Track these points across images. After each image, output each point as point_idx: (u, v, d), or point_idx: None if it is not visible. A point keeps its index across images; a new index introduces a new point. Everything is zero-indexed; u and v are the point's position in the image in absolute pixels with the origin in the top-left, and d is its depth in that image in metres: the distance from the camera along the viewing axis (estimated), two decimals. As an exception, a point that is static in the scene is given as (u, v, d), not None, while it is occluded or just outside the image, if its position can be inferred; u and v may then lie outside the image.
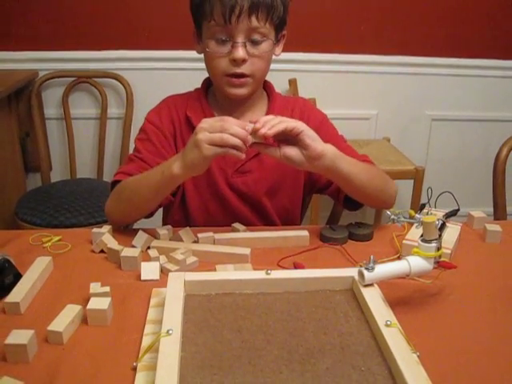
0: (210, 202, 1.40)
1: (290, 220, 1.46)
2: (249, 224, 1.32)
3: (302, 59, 2.74)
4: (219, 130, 1.06)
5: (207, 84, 1.43)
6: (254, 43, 1.25)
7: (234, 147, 1.07)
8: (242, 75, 1.27)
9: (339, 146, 1.37)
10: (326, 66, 2.83)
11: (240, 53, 1.23)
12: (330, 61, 2.82)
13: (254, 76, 1.29)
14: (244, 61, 1.25)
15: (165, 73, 2.70)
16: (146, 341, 0.85)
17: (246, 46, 1.24)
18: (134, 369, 0.79)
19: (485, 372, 0.83)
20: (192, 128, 1.34)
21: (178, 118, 1.39)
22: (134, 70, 2.70)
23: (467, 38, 2.90)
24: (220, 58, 1.26)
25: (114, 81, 2.67)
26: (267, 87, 1.44)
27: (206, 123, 1.08)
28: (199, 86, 1.44)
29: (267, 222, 1.42)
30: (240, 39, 1.23)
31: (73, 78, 2.64)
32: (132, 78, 2.66)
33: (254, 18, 1.22)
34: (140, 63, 2.71)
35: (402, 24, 2.84)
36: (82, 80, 2.64)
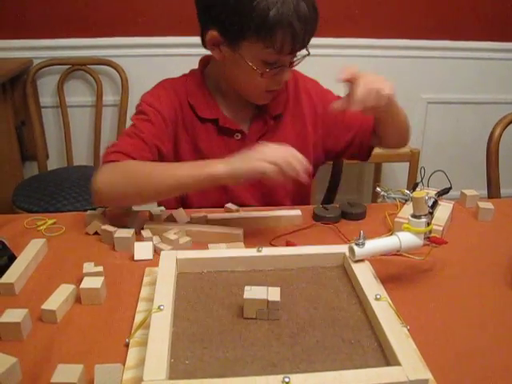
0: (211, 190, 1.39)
1: (301, 198, 1.47)
2: (243, 201, 1.34)
3: (297, 43, 2.73)
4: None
5: (203, 65, 1.39)
6: (291, 64, 1.28)
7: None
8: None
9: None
10: (320, 49, 2.81)
11: (289, 76, 1.28)
12: (324, 45, 2.81)
13: None
14: None
15: (159, 59, 2.70)
16: (139, 318, 0.86)
17: None
18: (127, 345, 0.80)
19: (474, 345, 0.83)
20: (196, 115, 1.34)
21: (179, 103, 1.34)
22: (129, 56, 2.70)
23: (463, 21, 2.90)
24: (264, 78, 1.25)
25: (108, 68, 2.67)
26: None
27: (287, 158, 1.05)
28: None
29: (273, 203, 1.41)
30: (289, 62, 1.26)
31: (67, 66, 2.64)
32: (127, 65, 2.66)
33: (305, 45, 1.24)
34: (135, 50, 2.70)
35: (396, 7, 2.83)
36: (76, 68, 2.64)
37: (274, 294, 0.84)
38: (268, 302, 0.83)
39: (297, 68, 1.31)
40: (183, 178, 1.12)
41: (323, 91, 1.48)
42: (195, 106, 1.34)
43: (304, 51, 1.26)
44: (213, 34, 1.23)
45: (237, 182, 1.14)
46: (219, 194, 1.37)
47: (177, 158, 1.35)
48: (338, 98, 1.41)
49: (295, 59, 1.27)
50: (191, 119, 1.35)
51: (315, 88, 1.47)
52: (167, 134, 1.32)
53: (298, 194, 1.47)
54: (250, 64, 1.22)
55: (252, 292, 0.84)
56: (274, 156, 1.04)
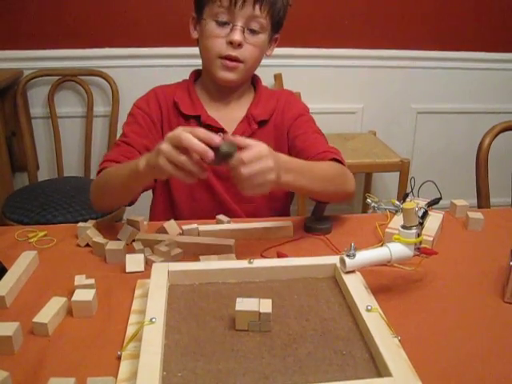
0: (197, 189, 1.41)
1: (279, 209, 1.48)
2: (233, 214, 1.35)
3: (288, 54, 2.74)
4: (180, 143, 0.94)
5: (195, 76, 1.46)
6: (252, 32, 1.30)
7: (189, 173, 0.96)
8: (236, 59, 1.31)
9: (307, 140, 1.41)
10: (312, 60, 2.84)
11: (238, 35, 1.28)
12: (316, 55, 2.83)
13: (246, 63, 1.33)
14: (240, 45, 1.29)
15: (150, 70, 2.70)
16: (131, 330, 0.86)
17: (244, 32, 1.29)
18: (119, 358, 0.80)
19: (464, 356, 0.84)
20: (180, 113, 1.39)
21: (165, 104, 1.41)
22: (120, 67, 2.70)
23: (452, 31, 2.93)
24: (217, 38, 1.30)
25: (99, 79, 2.67)
26: (254, 80, 1.48)
27: (172, 133, 0.96)
28: (186, 81, 1.46)
29: (254, 212, 1.43)
30: (240, 23, 1.28)
31: (58, 77, 2.64)
32: (117, 76, 2.66)
33: (257, 7, 1.27)
34: (125, 61, 2.71)
35: (386, 18, 2.86)
36: (67, 78, 2.64)
37: (265, 305, 0.84)
38: (260, 313, 0.83)
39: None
40: (123, 179, 1.15)
41: (300, 119, 1.46)
42: (179, 103, 1.40)
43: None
44: (192, 15, 1.37)
45: (161, 176, 1.07)
46: (210, 202, 1.42)
47: None
48: (307, 128, 1.45)
49: (254, 27, 1.29)
50: (176, 117, 1.40)
51: (295, 113, 1.46)
52: (156, 133, 1.39)
53: (275, 209, 1.48)
54: (206, 24, 1.30)
55: (244, 304, 0.84)
56: (173, 156, 0.95)
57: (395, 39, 2.90)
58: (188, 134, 0.93)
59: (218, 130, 1.38)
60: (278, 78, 2.67)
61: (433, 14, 2.88)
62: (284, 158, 1.08)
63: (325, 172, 1.24)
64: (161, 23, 2.62)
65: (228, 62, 1.31)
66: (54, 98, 2.66)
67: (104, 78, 2.65)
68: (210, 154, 0.92)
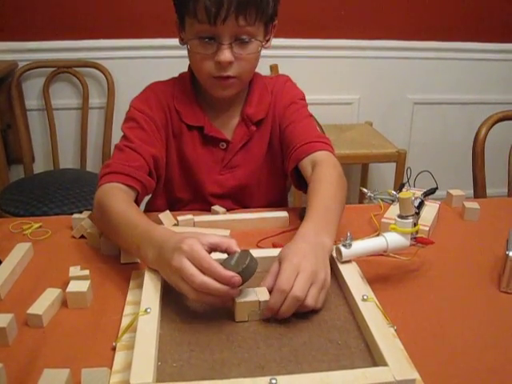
0: (196, 200, 1.39)
1: (277, 200, 1.46)
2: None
3: (284, 45, 2.74)
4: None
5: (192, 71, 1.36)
6: (242, 43, 1.18)
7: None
8: (229, 77, 1.21)
9: (295, 129, 1.32)
10: (308, 51, 2.84)
11: (226, 56, 1.16)
12: (312, 46, 2.82)
13: (241, 77, 1.24)
14: (230, 63, 1.18)
15: (146, 61, 2.70)
16: (126, 321, 0.85)
17: (232, 47, 1.17)
18: (114, 349, 0.80)
19: (460, 345, 0.84)
20: (182, 122, 1.31)
21: (168, 108, 1.32)
22: (115, 58, 2.69)
23: (448, 22, 2.92)
24: (204, 59, 1.20)
25: (94, 70, 2.66)
26: None
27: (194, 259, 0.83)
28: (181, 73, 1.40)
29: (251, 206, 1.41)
30: (226, 41, 1.16)
31: (53, 68, 2.62)
32: (113, 67, 2.65)
33: (241, 18, 1.13)
34: (121, 52, 2.69)
35: (382, 8, 2.84)
36: (62, 70, 2.63)
37: (262, 293, 0.84)
38: (260, 302, 0.83)
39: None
40: (124, 243, 1.02)
41: (291, 107, 1.37)
42: (181, 111, 1.31)
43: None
44: (176, 20, 1.25)
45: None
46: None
47: (166, 165, 1.34)
48: (297, 116, 1.36)
49: (243, 38, 1.17)
50: (178, 125, 1.33)
51: (287, 100, 1.38)
52: (160, 140, 1.29)
53: (273, 196, 1.46)
54: (189, 43, 1.19)
55: (242, 295, 0.83)
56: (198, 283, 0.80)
57: (391, 30, 2.89)
58: (210, 282, 0.80)
59: (220, 140, 1.33)
60: (273, 69, 2.65)
61: (429, 4, 2.87)
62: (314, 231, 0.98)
63: (335, 197, 1.12)
64: (156, 14, 2.60)
65: (222, 82, 1.22)
66: (49, 89, 2.65)
67: (99, 70, 2.63)
68: (233, 292, 0.82)
